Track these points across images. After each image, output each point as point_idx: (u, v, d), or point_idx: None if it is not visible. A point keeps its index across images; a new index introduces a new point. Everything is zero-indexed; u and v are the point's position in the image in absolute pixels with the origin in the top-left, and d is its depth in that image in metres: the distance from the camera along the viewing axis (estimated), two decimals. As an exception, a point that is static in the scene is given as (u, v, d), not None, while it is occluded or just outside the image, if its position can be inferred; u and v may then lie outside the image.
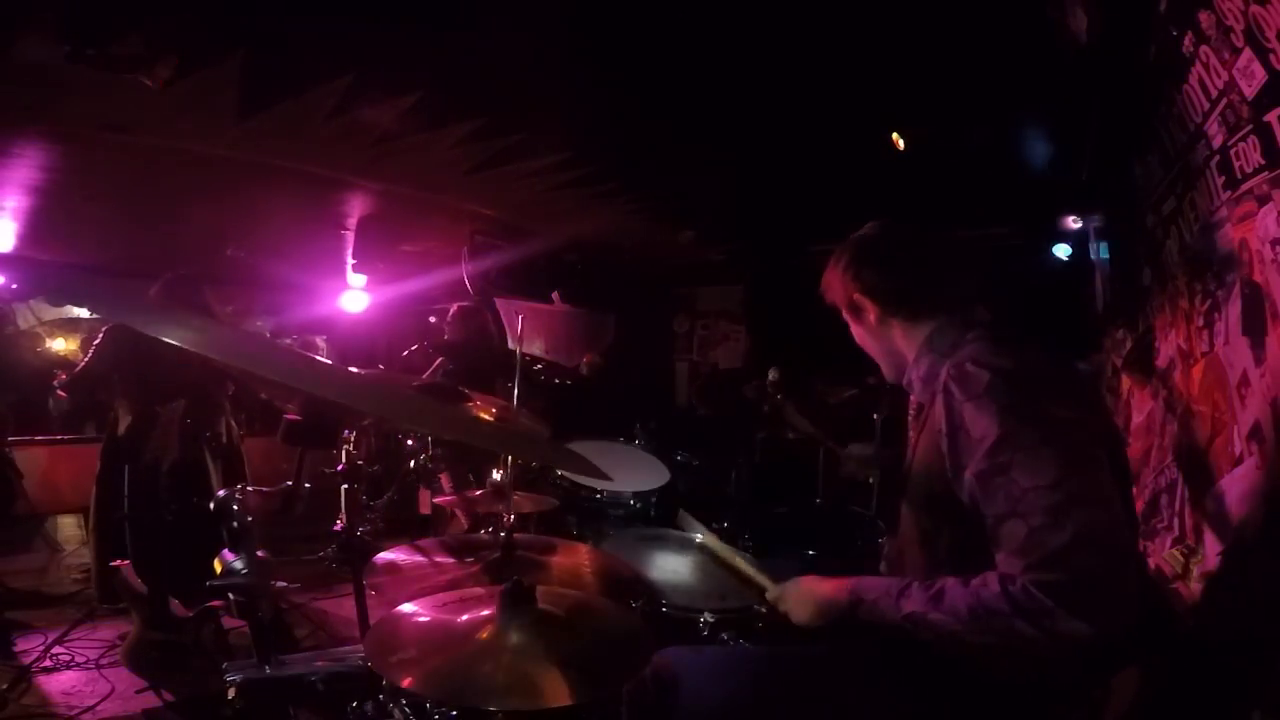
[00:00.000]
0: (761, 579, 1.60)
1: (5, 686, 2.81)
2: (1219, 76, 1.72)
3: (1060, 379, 1.22)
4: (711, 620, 1.65)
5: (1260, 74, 1.52)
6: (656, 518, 2.53)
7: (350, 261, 5.60)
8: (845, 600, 1.32)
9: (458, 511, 3.60)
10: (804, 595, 1.41)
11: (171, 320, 0.74)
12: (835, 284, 1.48)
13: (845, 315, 1.52)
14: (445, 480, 3.75)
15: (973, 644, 1.16)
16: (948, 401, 1.22)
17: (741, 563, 1.70)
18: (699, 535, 1.89)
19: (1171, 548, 2.11)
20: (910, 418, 1.57)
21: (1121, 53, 2.31)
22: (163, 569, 2.87)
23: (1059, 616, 1.05)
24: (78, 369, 3.57)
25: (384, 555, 1.72)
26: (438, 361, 4.49)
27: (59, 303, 5.46)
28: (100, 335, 3.58)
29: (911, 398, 1.53)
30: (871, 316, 1.44)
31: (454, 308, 4.75)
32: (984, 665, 1.21)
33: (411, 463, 3.47)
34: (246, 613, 1.23)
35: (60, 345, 5.64)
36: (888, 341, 1.45)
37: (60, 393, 3.62)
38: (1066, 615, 1.04)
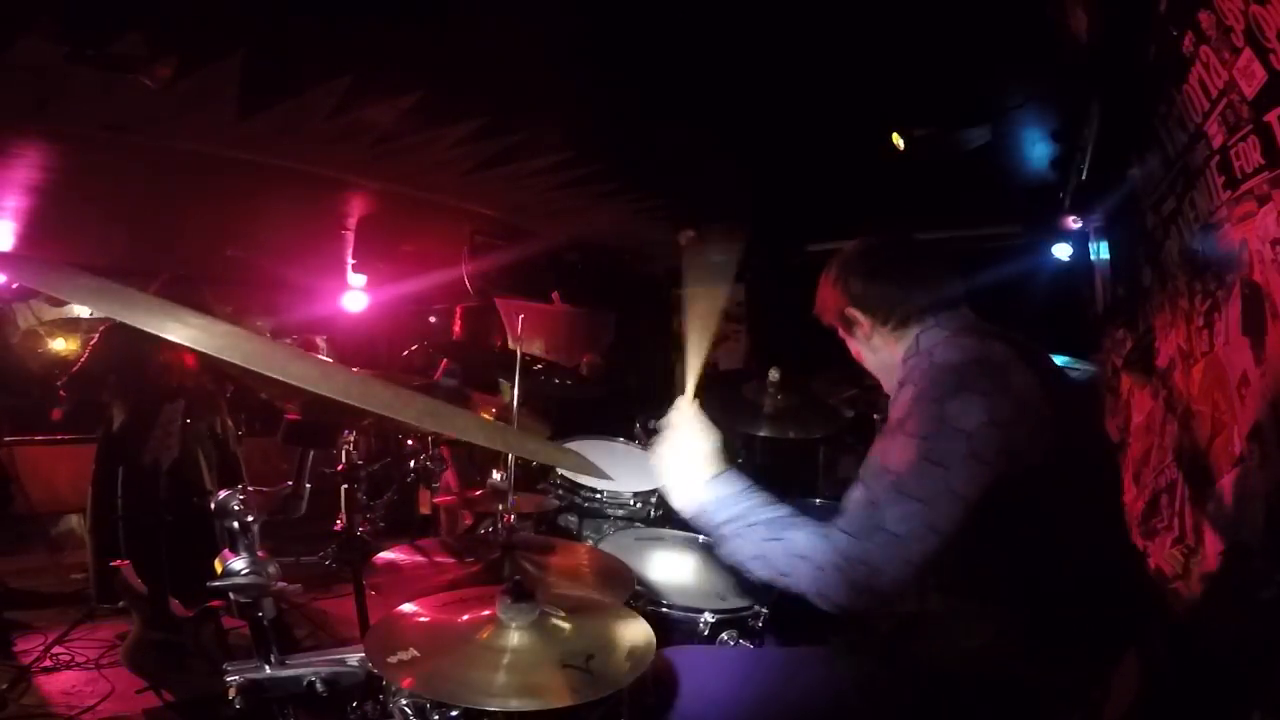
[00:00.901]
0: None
1: (5, 686, 2.81)
2: (1219, 76, 1.72)
3: (990, 384, 1.19)
4: (711, 620, 1.65)
5: (1260, 74, 1.52)
6: (656, 518, 2.53)
7: (350, 261, 5.60)
8: (706, 483, 1.34)
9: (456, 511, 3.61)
10: (682, 455, 1.39)
11: (172, 319, 0.74)
12: (828, 301, 1.51)
13: (841, 333, 1.54)
14: (451, 478, 3.75)
15: (750, 569, 1.25)
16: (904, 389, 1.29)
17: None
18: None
19: (1171, 548, 2.11)
20: None
21: (1121, 53, 2.31)
22: (163, 569, 2.87)
23: (828, 572, 1.15)
24: (75, 369, 3.57)
25: (384, 555, 1.72)
26: (443, 363, 4.48)
27: (59, 302, 5.46)
28: (97, 335, 3.57)
29: None
30: (864, 329, 1.46)
31: (458, 308, 4.75)
32: (982, 665, 1.21)
33: (411, 463, 3.47)
34: (246, 613, 1.23)
35: (60, 345, 5.64)
36: (881, 353, 1.46)
37: (61, 393, 3.61)
38: (834, 575, 1.14)
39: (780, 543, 1.22)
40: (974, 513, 1.13)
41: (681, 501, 1.37)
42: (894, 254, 1.48)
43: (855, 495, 1.21)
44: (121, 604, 3.17)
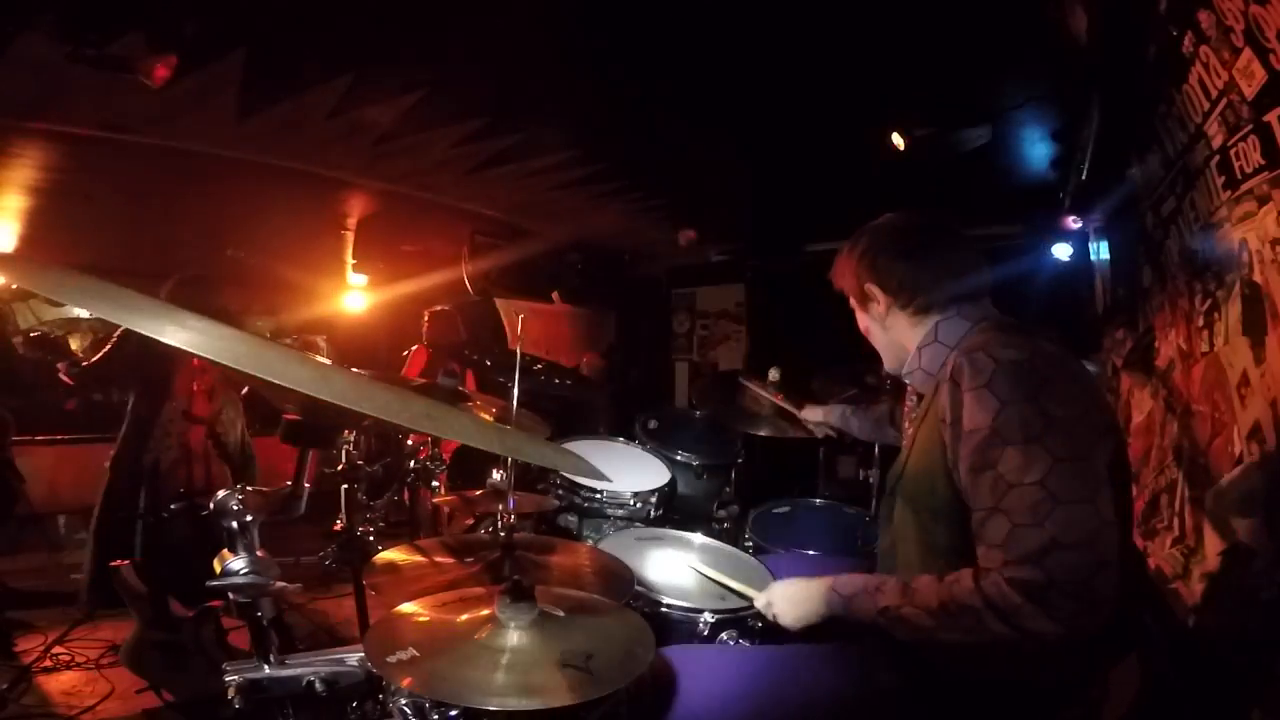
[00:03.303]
0: (747, 590, 1.62)
1: (5, 686, 2.80)
2: (1219, 76, 1.72)
3: (1065, 374, 1.21)
4: (711, 620, 1.65)
5: (1260, 74, 1.52)
6: (656, 518, 2.53)
7: (350, 261, 5.61)
8: (824, 598, 1.34)
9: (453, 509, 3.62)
10: (787, 597, 1.43)
11: (170, 320, 0.74)
12: (847, 271, 1.47)
13: (852, 302, 1.51)
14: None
15: (944, 640, 1.17)
16: (952, 391, 1.21)
17: (726, 578, 1.72)
18: (691, 562, 1.89)
19: (1171, 548, 2.11)
20: (906, 411, 1.56)
21: (1121, 53, 2.31)
22: (163, 569, 2.87)
23: (1027, 613, 1.06)
24: (96, 360, 3.50)
25: (384, 555, 1.72)
26: (431, 359, 4.64)
27: (59, 302, 5.46)
28: (118, 334, 3.51)
29: (909, 390, 1.52)
30: (880, 307, 1.43)
31: (426, 314, 4.90)
32: (981, 663, 1.21)
33: (411, 463, 3.47)
34: (246, 613, 1.23)
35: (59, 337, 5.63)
36: (893, 333, 1.44)
37: (64, 378, 3.53)
38: (1035, 613, 1.06)
39: (948, 622, 1.14)
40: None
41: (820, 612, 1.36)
42: (929, 238, 1.42)
43: (994, 526, 1.11)
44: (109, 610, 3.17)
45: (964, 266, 1.39)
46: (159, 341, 0.73)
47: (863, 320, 1.51)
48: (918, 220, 1.44)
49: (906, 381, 1.48)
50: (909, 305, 1.39)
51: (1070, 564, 1.05)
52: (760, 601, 1.50)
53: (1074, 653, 1.21)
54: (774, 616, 1.45)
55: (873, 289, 1.43)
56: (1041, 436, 1.11)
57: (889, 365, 1.51)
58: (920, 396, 1.45)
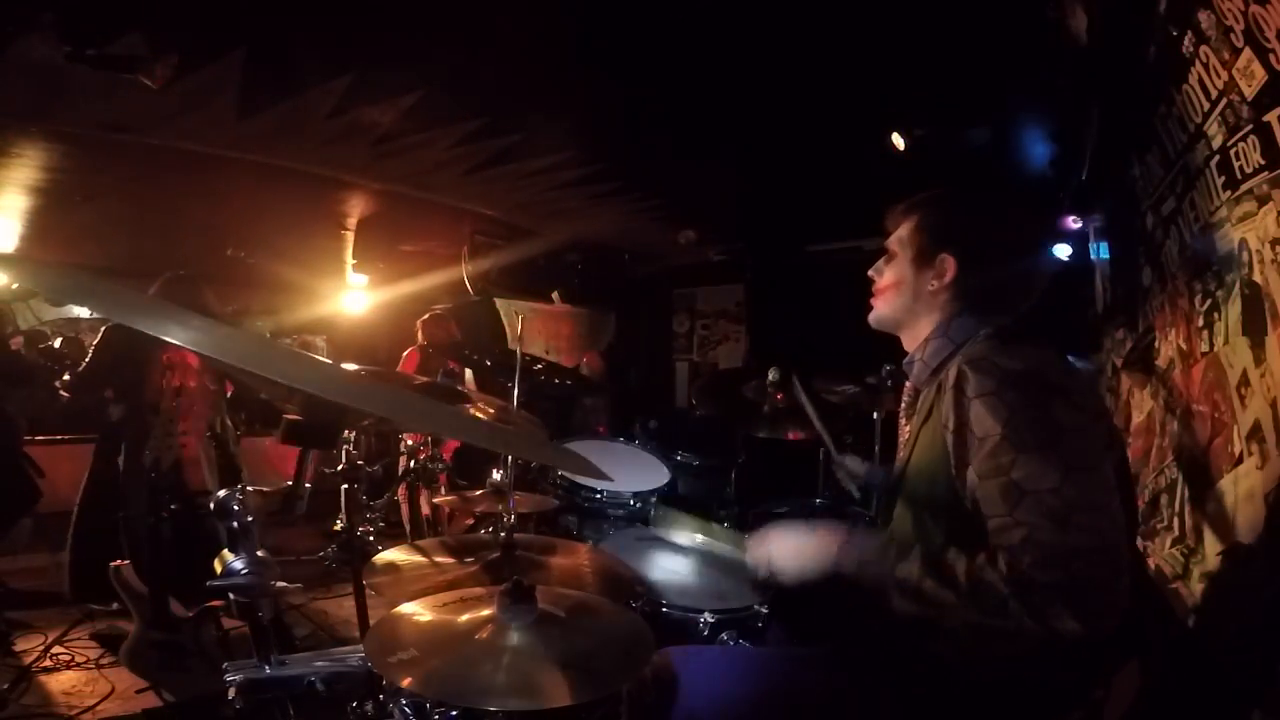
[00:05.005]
0: (739, 542, 1.54)
1: (5, 686, 2.80)
2: (1219, 76, 1.72)
3: (1069, 382, 1.21)
4: (711, 620, 1.65)
5: (1260, 74, 1.52)
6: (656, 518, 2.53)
7: (350, 261, 5.62)
8: (832, 555, 1.26)
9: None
10: (790, 549, 1.32)
11: (172, 319, 0.74)
12: (928, 227, 1.37)
13: (894, 247, 1.41)
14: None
15: (954, 620, 1.15)
16: (957, 398, 1.20)
17: (721, 534, 1.69)
18: (684, 534, 1.87)
19: (1171, 548, 2.11)
20: (903, 406, 1.53)
21: (1121, 53, 2.31)
22: (163, 569, 2.87)
23: (1055, 612, 1.05)
24: (80, 369, 3.55)
25: (384, 555, 1.73)
26: (426, 361, 4.68)
27: (59, 302, 5.46)
28: (100, 334, 3.57)
29: (906, 385, 1.50)
30: (928, 276, 1.34)
31: (420, 320, 4.95)
32: (983, 665, 1.21)
33: (411, 462, 3.48)
34: (246, 613, 1.23)
35: (60, 345, 5.62)
36: (917, 303, 1.37)
37: (63, 393, 3.60)
38: (1062, 612, 1.05)
39: (972, 601, 1.11)
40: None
41: (829, 565, 1.25)
42: (1034, 253, 1.38)
43: (1012, 533, 1.10)
44: (97, 606, 3.20)
45: (1037, 290, 1.36)
46: (143, 342, 0.73)
47: (894, 271, 1.40)
48: (1037, 230, 1.39)
49: (905, 370, 1.46)
50: (960, 298, 1.33)
51: (1090, 570, 1.05)
52: (753, 555, 1.37)
53: (1081, 655, 1.21)
54: (770, 571, 1.34)
55: (947, 263, 1.33)
56: (1055, 444, 1.11)
57: (876, 319, 1.44)
58: (917, 393, 1.44)
